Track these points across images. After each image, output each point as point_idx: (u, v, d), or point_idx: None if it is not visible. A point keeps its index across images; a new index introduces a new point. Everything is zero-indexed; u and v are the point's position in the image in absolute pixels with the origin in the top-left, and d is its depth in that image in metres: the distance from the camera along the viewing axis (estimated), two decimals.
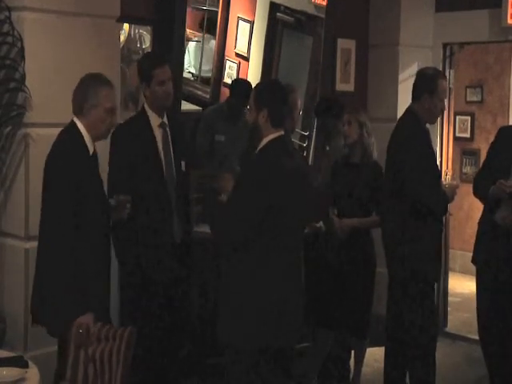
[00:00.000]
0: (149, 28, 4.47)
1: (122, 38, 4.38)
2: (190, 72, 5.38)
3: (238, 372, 3.08)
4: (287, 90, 4.17)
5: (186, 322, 3.84)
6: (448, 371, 4.80)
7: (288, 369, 3.24)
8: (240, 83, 4.83)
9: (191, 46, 5.43)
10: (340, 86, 5.59)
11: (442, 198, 4.02)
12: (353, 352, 4.54)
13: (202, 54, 5.36)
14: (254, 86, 3.41)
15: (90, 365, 2.83)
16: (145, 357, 3.49)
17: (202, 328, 4.27)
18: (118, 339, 2.83)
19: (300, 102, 4.27)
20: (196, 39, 5.47)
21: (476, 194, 4.23)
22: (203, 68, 5.38)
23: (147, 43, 4.50)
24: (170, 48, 4.35)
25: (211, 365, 4.15)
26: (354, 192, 4.30)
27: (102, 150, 3.32)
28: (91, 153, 3.14)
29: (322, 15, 5.30)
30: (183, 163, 3.79)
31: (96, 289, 3.05)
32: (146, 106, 3.67)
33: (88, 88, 3.10)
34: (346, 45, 5.60)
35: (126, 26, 4.42)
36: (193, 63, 5.45)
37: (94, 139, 3.16)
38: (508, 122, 6.74)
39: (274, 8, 5.20)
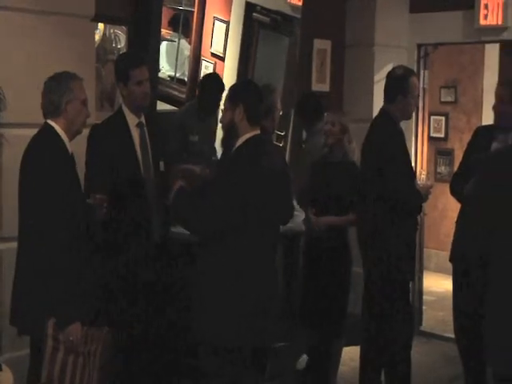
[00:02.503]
0: (124, 28, 4.45)
1: (97, 37, 4.35)
2: (165, 72, 5.36)
3: (214, 371, 3.08)
4: (267, 90, 4.20)
5: (164, 322, 3.83)
6: (423, 369, 4.84)
7: (264, 368, 3.25)
8: (211, 78, 4.83)
9: (167, 46, 5.41)
10: (316, 86, 5.61)
11: (417, 198, 4.05)
12: None
13: (177, 53, 5.34)
14: (229, 86, 3.41)
15: (68, 366, 2.84)
16: (124, 357, 3.49)
17: (181, 327, 4.26)
18: (95, 341, 2.85)
19: (280, 103, 4.29)
20: (171, 38, 5.45)
21: (453, 193, 4.27)
22: (179, 68, 5.36)
23: (122, 43, 4.48)
24: (145, 48, 4.33)
25: (189, 364, 4.14)
26: (332, 191, 4.32)
27: (78, 150, 3.31)
28: (70, 153, 3.13)
29: (298, 15, 5.32)
30: (161, 163, 3.77)
31: (84, 294, 3.04)
32: (123, 106, 3.66)
33: (60, 86, 3.09)
34: (321, 45, 5.62)
35: (101, 25, 4.39)
36: (168, 63, 5.43)
37: (72, 136, 3.15)
38: (481, 121, 6.82)
39: (249, 8, 5.21)
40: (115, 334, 3.15)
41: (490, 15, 5.21)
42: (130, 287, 3.55)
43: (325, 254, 4.36)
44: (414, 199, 4.04)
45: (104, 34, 4.43)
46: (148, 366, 3.67)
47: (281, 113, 4.41)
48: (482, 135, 4.22)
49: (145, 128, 3.68)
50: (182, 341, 3.83)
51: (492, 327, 2.55)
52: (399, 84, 4.03)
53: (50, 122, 3.11)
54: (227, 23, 5.24)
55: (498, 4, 5.17)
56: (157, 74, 4.63)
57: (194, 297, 3.19)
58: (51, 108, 3.10)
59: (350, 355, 4.78)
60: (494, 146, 4.08)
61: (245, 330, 3.04)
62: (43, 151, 3.05)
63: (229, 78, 5.10)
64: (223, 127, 3.23)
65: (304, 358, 4.68)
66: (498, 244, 2.52)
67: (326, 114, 4.57)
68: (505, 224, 2.51)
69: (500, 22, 5.18)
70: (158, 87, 4.60)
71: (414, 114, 5.54)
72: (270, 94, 4.19)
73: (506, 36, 5.27)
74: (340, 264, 4.36)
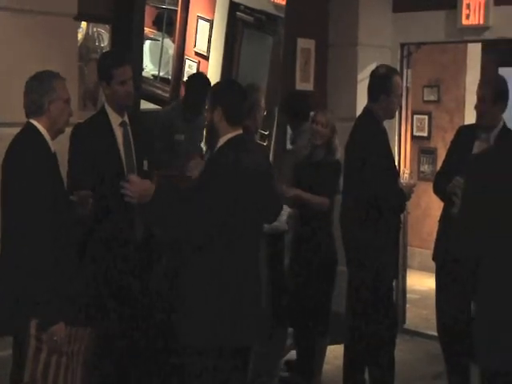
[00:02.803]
0: (107, 26, 4.43)
1: (80, 36, 4.33)
2: (148, 71, 5.34)
3: (197, 372, 3.07)
4: (251, 89, 4.20)
5: (146, 322, 3.82)
6: (406, 367, 4.86)
7: (247, 368, 3.25)
8: (197, 78, 4.82)
9: (150, 45, 5.40)
10: (300, 85, 5.63)
11: (400, 197, 4.07)
12: None
13: (161, 52, 5.33)
14: (212, 84, 3.41)
15: (51, 366, 2.83)
16: (106, 357, 3.48)
17: (163, 327, 4.25)
18: (78, 340, 2.84)
19: (263, 102, 4.29)
20: (155, 37, 5.44)
21: (435, 192, 4.30)
22: (162, 67, 5.35)
23: (106, 42, 4.46)
24: (128, 47, 4.32)
25: (172, 364, 4.14)
26: (315, 190, 4.33)
27: (60, 149, 3.29)
28: (52, 152, 3.12)
29: (282, 15, 5.33)
30: (145, 162, 3.77)
31: (67, 293, 3.02)
32: (106, 105, 3.65)
33: (43, 85, 3.08)
34: (305, 44, 5.64)
35: (83, 24, 4.37)
36: (152, 62, 5.42)
37: (55, 135, 3.14)
38: (464, 121, 6.86)
39: (233, 7, 5.21)
40: (99, 334, 3.14)
41: (472, 15, 5.24)
42: (112, 287, 3.54)
43: (309, 253, 4.38)
44: (396, 198, 4.06)
45: (87, 32, 4.41)
46: (132, 366, 3.66)
47: (265, 112, 4.41)
48: (464, 134, 4.25)
49: (128, 127, 3.67)
50: (165, 340, 3.82)
51: (482, 324, 2.56)
52: (382, 83, 4.04)
53: (32, 121, 3.09)
54: (211, 22, 5.24)
55: (480, 4, 5.20)
56: (140, 73, 4.62)
57: (175, 297, 3.18)
58: (33, 107, 3.09)
59: (334, 354, 4.79)
60: (477, 145, 4.11)
61: (226, 330, 3.03)
62: (25, 150, 3.04)
63: (213, 77, 5.09)
64: (205, 127, 3.23)
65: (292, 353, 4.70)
66: (488, 244, 2.53)
67: (312, 114, 4.57)
68: (494, 225, 2.52)
69: (482, 22, 5.22)
70: (141, 86, 4.59)
71: (397, 113, 5.57)
72: (254, 93, 4.19)
73: (487, 36, 5.30)
74: (325, 263, 4.38)
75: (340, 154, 4.39)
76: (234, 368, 3.10)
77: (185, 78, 5.26)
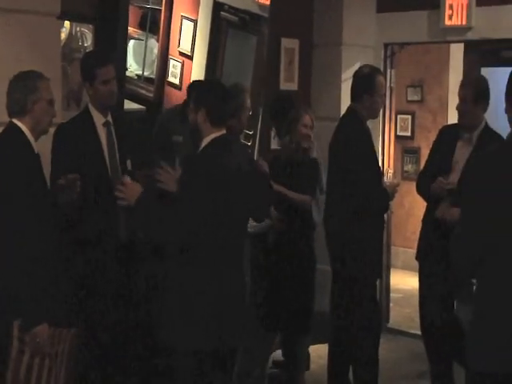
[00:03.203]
0: (91, 26, 4.41)
1: (63, 35, 4.31)
2: (132, 71, 5.32)
3: (181, 374, 3.06)
4: (237, 89, 4.20)
5: (131, 323, 3.81)
6: (390, 366, 4.89)
7: (231, 369, 3.25)
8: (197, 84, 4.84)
9: (134, 45, 5.37)
10: (284, 85, 5.63)
11: (383, 197, 4.10)
12: None
13: (145, 52, 5.31)
14: (195, 84, 3.40)
15: (34, 368, 2.82)
16: (90, 358, 3.47)
17: (148, 328, 4.24)
18: (62, 342, 2.83)
19: (249, 102, 4.28)
20: (138, 37, 5.41)
21: (418, 192, 4.33)
22: (147, 67, 5.33)
23: (89, 41, 4.44)
24: (112, 46, 4.30)
25: (156, 365, 4.13)
26: (294, 189, 4.33)
27: (43, 149, 3.27)
28: (35, 152, 3.11)
29: (266, 15, 5.33)
30: (129, 162, 3.76)
31: (50, 294, 3.01)
32: (89, 105, 3.64)
33: (26, 85, 3.06)
34: (289, 44, 5.65)
35: (67, 23, 4.35)
36: (136, 62, 5.40)
37: (38, 135, 3.13)
38: (447, 120, 6.90)
39: (217, 7, 5.19)
40: (82, 335, 3.13)
41: (455, 15, 5.28)
42: (96, 287, 3.53)
43: (288, 253, 4.37)
44: (380, 198, 4.08)
45: (70, 32, 4.39)
46: (116, 367, 3.66)
47: (250, 112, 4.40)
48: (446, 134, 4.28)
49: (112, 127, 3.67)
50: (150, 342, 3.81)
51: (480, 327, 2.56)
52: (366, 83, 4.06)
53: (15, 121, 3.07)
54: (195, 22, 5.22)
55: (462, 5, 5.24)
56: (124, 73, 4.60)
57: (159, 299, 3.17)
58: (17, 107, 3.07)
59: (319, 353, 4.81)
60: (459, 145, 4.14)
61: (211, 332, 3.02)
62: (8, 150, 3.02)
63: (197, 77, 5.07)
64: (190, 128, 3.23)
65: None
66: (490, 247, 2.53)
67: (300, 115, 4.52)
68: (498, 226, 2.51)
69: (464, 23, 5.25)
70: (125, 86, 4.57)
71: (380, 113, 5.60)
72: (240, 94, 4.19)
73: (469, 36, 5.34)
74: (303, 262, 4.38)
75: (316, 152, 4.39)
76: (218, 370, 3.10)
77: (169, 78, 5.25)
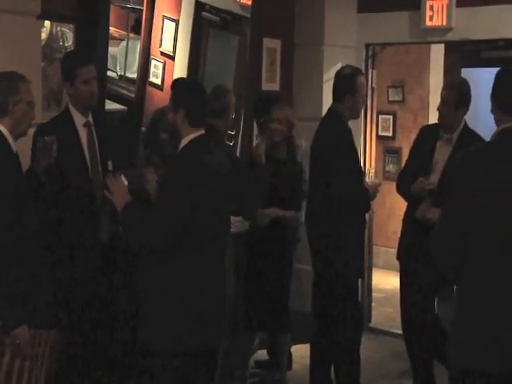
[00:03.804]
0: (71, 26, 4.38)
1: (44, 35, 4.28)
2: (114, 71, 5.30)
3: (161, 375, 3.05)
4: (223, 90, 4.21)
5: (112, 324, 3.80)
6: (372, 365, 4.91)
7: (213, 369, 3.24)
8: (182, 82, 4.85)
9: (116, 45, 5.35)
10: (266, 85, 5.63)
11: (365, 196, 4.11)
12: None
13: (126, 52, 5.29)
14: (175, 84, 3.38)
15: (14, 370, 2.80)
16: (71, 359, 3.46)
17: (129, 329, 4.23)
18: (42, 343, 2.82)
19: (234, 104, 4.29)
20: (119, 37, 5.39)
21: (399, 191, 4.35)
22: (128, 67, 5.31)
23: (70, 41, 4.41)
24: (93, 46, 4.28)
25: (137, 366, 4.12)
26: (276, 187, 4.34)
27: (23, 149, 3.25)
28: (14, 152, 3.09)
29: (248, 15, 5.32)
30: (110, 163, 3.74)
31: (31, 296, 2.98)
32: (69, 106, 3.63)
33: (7, 86, 3.05)
34: (271, 44, 5.65)
35: (47, 23, 4.32)
36: (117, 62, 5.38)
37: (17, 137, 3.11)
38: (428, 120, 6.94)
39: (199, 7, 5.18)
40: (63, 336, 3.11)
41: (435, 16, 5.31)
42: (77, 288, 3.51)
43: (264, 251, 4.37)
44: (362, 198, 4.10)
45: (51, 32, 4.36)
46: (96, 367, 3.64)
47: (234, 115, 4.42)
48: (427, 134, 4.30)
49: (93, 127, 3.65)
50: (131, 341, 3.80)
51: (463, 326, 2.57)
52: (347, 83, 4.08)
53: None
54: (177, 22, 5.21)
55: (443, 5, 5.27)
56: (105, 73, 4.58)
57: (140, 300, 3.16)
58: None
59: (301, 352, 4.82)
60: (439, 145, 4.17)
61: (191, 332, 3.01)
62: None
63: (178, 77, 5.07)
64: (168, 128, 3.22)
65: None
66: (471, 244, 2.54)
67: (274, 111, 4.56)
68: (482, 226, 2.52)
69: (444, 23, 5.29)
70: (106, 86, 4.56)
71: (362, 113, 5.62)
72: (226, 95, 4.20)
73: (450, 37, 5.38)
74: (279, 260, 4.39)
75: (302, 153, 4.41)
76: (199, 370, 3.09)
77: (151, 78, 5.23)
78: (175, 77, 5.06)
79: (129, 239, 3.17)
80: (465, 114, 4.12)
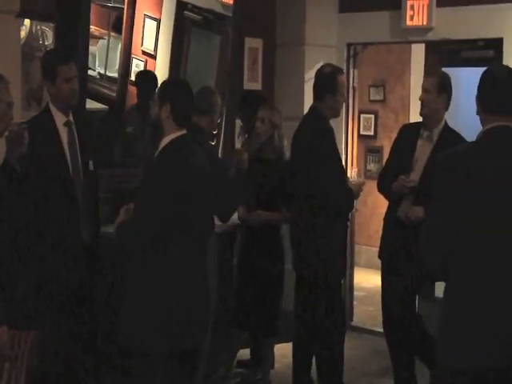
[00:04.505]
0: (51, 24, 4.35)
1: (23, 34, 4.25)
2: (95, 70, 5.27)
3: (142, 374, 3.04)
4: (209, 91, 4.21)
5: (93, 325, 3.78)
6: (354, 363, 4.93)
7: (195, 369, 3.24)
8: (141, 75, 4.86)
9: (96, 44, 5.32)
10: (248, 85, 5.64)
11: (348, 195, 4.13)
12: None
13: (107, 51, 5.27)
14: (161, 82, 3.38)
15: None
16: (52, 360, 3.43)
17: (110, 330, 4.21)
18: (22, 344, 2.80)
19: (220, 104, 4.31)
20: (100, 36, 5.36)
21: (380, 190, 4.36)
22: (109, 66, 5.29)
23: (50, 40, 4.38)
24: (74, 45, 4.26)
25: (118, 365, 4.10)
26: (264, 187, 4.35)
27: (2, 150, 3.22)
28: None
29: (230, 14, 5.33)
30: (91, 163, 3.72)
31: (9, 296, 2.96)
32: (50, 105, 3.60)
33: None
34: (253, 44, 5.66)
35: (27, 21, 4.29)
36: (98, 61, 5.35)
37: None
38: (409, 119, 6.97)
39: (181, 6, 5.17)
40: (43, 336, 3.09)
41: (416, 16, 5.34)
42: (58, 288, 3.49)
43: (257, 252, 4.39)
44: (345, 197, 4.11)
45: (30, 30, 4.32)
46: (76, 367, 3.62)
47: (219, 119, 4.44)
48: (407, 133, 4.32)
49: (73, 127, 3.62)
50: (112, 341, 3.79)
51: (450, 325, 2.59)
52: (328, 82, 4.09)
53: None
54: (158, 21, 5.19)
55: (423, 5, 5.30)
56: (86, 72, 4.56)
57: (121, 299, 3.15)
58: None
59: (283, 352, 4.82)
60: (420, 143, 4.19)
61: (173, 332, 3.00)
62: None
63: (160, 76, 5.05)
64: (151, 124, 3.20)
65: None
66: (460, 244, 2.55)
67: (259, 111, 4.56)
68: (470, 225, 2.53)
69: (425, 23, 5.32)
70: (87, 85, 4.53)
71: (344, 113, 5.65)
72: (213, 95, 4.22)
73: (430, 36, 5.41)
74: (272, 262, 4.40)
75: (286, 155, 4.42)
76: (181, 370, 3.09)
77: (132, 77, 5.22)
78: (157, 76, 5.05)
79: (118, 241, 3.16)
80: (447, 105, 4.12)
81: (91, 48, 4.77)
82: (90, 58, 4.80)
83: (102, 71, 5.19)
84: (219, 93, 4.50)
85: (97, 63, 5.15)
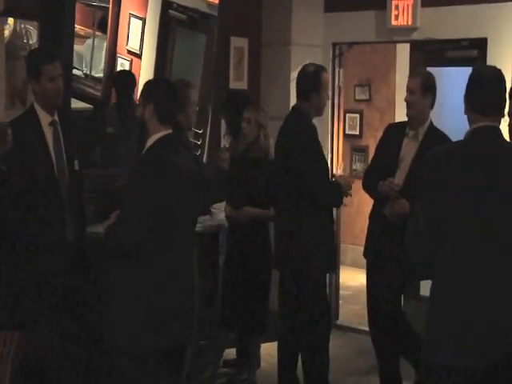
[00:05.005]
0: (35, 23, 4.33)
1: (7, 32, 4.22)
2: (80, 69, 5.26)
3: (128, 374, 3.03)
4: (181, 84, 4.16)
5: (80, 325, 3.76)
6: (340, 362, 4.94)
7: (181, 368, 3.24)
8: (122, 74, 4.85)
9: (83, 43, 5.30)
10: (233, 84, 5.64)
11: (337, 189, 4.14)
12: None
13: (92, 50, 5.25)
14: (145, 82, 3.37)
15: None
16: (40, 361, 3.42)
17: (97, 328, 4.20)
18: (7, 344, 2.79)
19: (196, 98, 4.25)
20: (85, 35, 5.34)
21: (365, 189, 4.37)
22: (94, 65, 5.27)
23: (34, 39, 4.36)
24: (58, 44, 4.23)
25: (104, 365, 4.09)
26: (251, 186, 4.35)
27: None
28: None
29: (215, 13, 5.32)
30: (76, 162, 3.71)
31: None
32: (35, 104, 3.58)
33: None
34: (238, 43, 5.66)
35: (10, 20, 4.26)
36: (83, 60, 5.33)
37: None
38: (394, 119, 7.00)
39: (166, 5, 5.17)
40: (28, 337, 3.08)
41: (401, 16, 5.36)
42: (42, 288, 3.47)
43: (245, 251, 4.39)
44: (332, 192, 4.12)
45: (14, 29, 4.30)
46: (62, 368, 3.61)
47: (197, 108, 4.37)
48: (392, 132, 4.33)
49: (58, 126, 3.61)
50: (99, 341, 3.78)
51: (436, 321, 2.60)
52: (312, 81, 4.09)
53: None
54: (143, 20, 5.18)
55: (408, 5, 5.33)
56: (71, 71, 4.54)
57: (107, 299, 3.14)
58: None
59: (269, 351, 4.83)
60: (405, 142, 4.20)
61: (157, 332, 3.00)
62: None
63: (146, 75, 5.04)
64: (137, 123, 3.20)
65: None
66: (446, 243, 2.56)
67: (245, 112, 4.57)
68: (456, 226, 2.54)
69: (410, 23, 5.34)
70: (72, 84, 4.52)
71: (329, 112, 5.67)
72: (184, 88, 4.14)
73: (415, 36, 5.43)
74: (260, 259, 4.40)
75: (271, 154, 4.42)
76: (167, 369, 3.08)
77: None
78: (142, 75, 5.04)
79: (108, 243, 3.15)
80: (431, 104, 4.13)
81: (77, 47, 4.76)
82: (76, 57, 4.78)
83: (87, 71, 5.18)
84: (204, 91, 4.48)
85: (84, 63, 5.14)
